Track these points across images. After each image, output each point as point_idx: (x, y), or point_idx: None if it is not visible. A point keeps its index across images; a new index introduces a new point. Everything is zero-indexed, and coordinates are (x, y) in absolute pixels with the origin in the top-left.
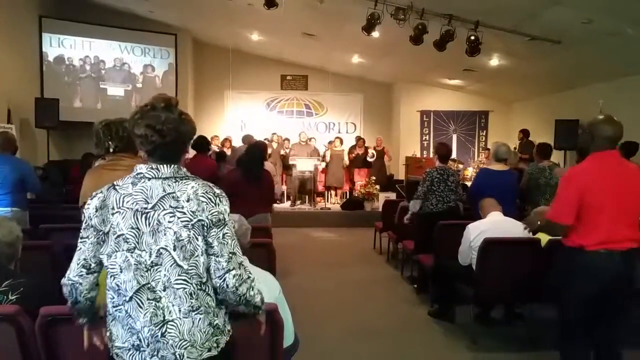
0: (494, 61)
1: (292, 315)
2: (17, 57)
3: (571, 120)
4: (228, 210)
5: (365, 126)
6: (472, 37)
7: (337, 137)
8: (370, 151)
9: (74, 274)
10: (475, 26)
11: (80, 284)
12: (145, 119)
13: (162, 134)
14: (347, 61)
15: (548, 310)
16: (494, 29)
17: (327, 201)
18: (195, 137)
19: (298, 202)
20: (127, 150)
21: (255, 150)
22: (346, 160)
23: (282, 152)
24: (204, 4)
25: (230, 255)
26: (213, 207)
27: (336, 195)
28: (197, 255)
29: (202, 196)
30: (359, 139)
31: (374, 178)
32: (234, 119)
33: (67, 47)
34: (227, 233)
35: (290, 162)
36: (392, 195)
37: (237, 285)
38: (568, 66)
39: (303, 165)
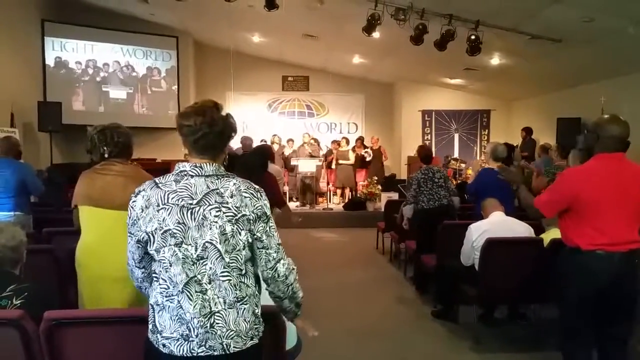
0: (495, 60)
1: None
2: (20, 61)
3: (573, 119)
4: (268, 204)
5: (367, 126)
6: (473, 37)
7: (344, 138)
8: (365, 151)
9: (130, 261)
10: (476, 26)
11: (134, 271)
12: (195, 111)
13: (210, 123)
14: (348, 62)
15: (552, 310)
16: (495, 28)
17: (330, 201)
18: None
19: (298, 203)
20: (120, 156)
21: (255, 159)
22: (352, 159)
23: (285, 153)
24: (204, 6)
25: (278, 245)
26: (256, 201)
27: (342, 195)
28: (239, 249)
29: (245, 192)
30: (357, 139)
31: (376, 178)
32: (236, 120)
33: (69, 51)
34: (272, 225)
35: (292, 163)
36: (395, 195)
37: (286, 274)
38: (569, 64)
39: (305, 166)
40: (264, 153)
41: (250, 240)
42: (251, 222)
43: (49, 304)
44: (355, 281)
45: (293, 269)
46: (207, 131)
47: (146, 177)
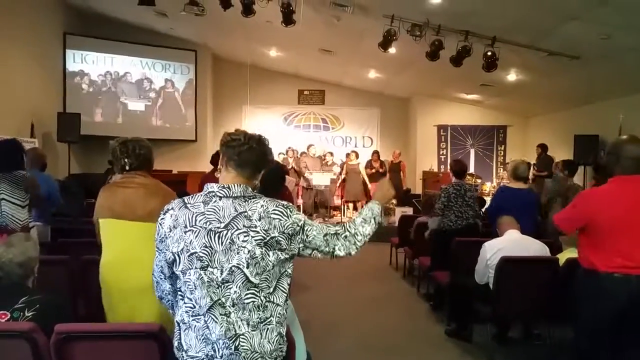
0: (512, 76)
1: (307, 331)
2: (41, 72)
3: (591, 136)
4: (300, 216)
5: (382, 140)
6: (489, 53)
7: (353, 151)
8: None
9: (156, 273)
10: (492, 42)
11: (160, 284)
12: (243, 132)
13: (258, 142)
14: (364, 76)
15: (567, 330)
16: (511, 44)
17: (344, 215)
18: (214, 153)
19: (314, 216)
20: (141, 168)
21: (275, 175)
22: (363, 174)
23: (298, 167)
24: (223, 21)
25: (325, 239)
26: (286, 220)
27: (355, 209)
28: (269, 270)
29: (274, 212)
30: (374, 153)
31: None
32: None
33: (90, 63)
34: (310, 230)
35: (306, 177)
36: (409, 210)
37: (347, 252)
38: (587, 81)
39: (318, 179)
40: (282, 169)
41: (281, 257)
42: (282, 242)
43: (61, 316)
44: (368, 297)
45: (350, 243)
46: (254, 146)
47: (166, 191)
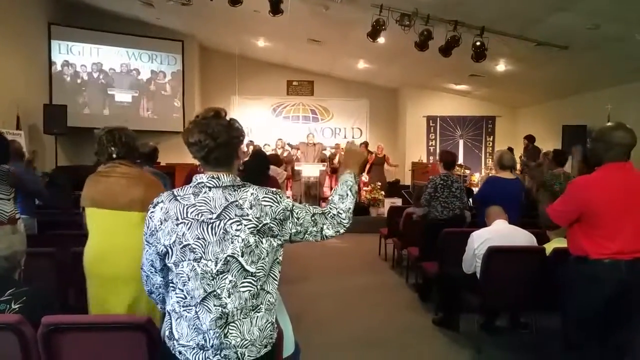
0: (501, 66)
1: (296, 322)
2: (27, 64)
3: (579, 126)
4: (290, 202)
5: (371, 131)
6: (478, 43)
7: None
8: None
9: (146, 267)
10: (481, 32)
11: (151, 278)
12: (197, 127)
13: (214, 136)
14: (353, 67)
15: (554, 319)
16: (500, 34)
17: None
18: None
19: None
20: (127, 157)
21: (254, 165)
22: None
23: (286, 155)
24: (210, 10)
25: (313, 219)
26: (277, 206)
27: None
28: (264, 257)
29: (264, 199)
30: (362, 144)
31: (379, 184)
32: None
33: (75, 54)
34: (298, 215)
35: (296, 168)
36: (398, 201)
37: (335, 231)
38: (575, 71)
39: (308, 170)
40: (263, 158)
41: (274, 244)
42: (274, 228)
43: (48, 308)
44: (357, 287)
45: (337, 222)
46: (213, 146)
47: (150, 179)
